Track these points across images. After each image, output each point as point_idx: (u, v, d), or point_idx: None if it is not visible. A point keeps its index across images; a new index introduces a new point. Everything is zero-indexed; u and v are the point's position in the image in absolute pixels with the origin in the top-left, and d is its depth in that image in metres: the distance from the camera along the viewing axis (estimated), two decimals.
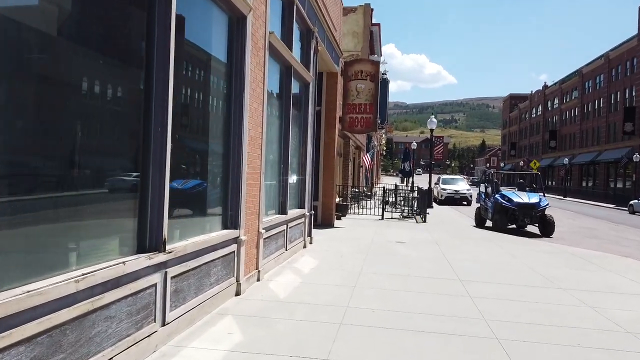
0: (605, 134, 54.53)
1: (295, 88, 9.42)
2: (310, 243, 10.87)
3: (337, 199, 18.98)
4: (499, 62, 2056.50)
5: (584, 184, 59.61)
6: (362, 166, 29.10)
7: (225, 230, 5.83)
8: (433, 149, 25.94)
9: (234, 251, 5.93)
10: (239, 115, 6.01)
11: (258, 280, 6.92)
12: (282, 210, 8.59)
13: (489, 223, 17.89)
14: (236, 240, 5.99)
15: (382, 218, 17.80)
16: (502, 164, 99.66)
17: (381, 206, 18.35)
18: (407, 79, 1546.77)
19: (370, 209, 19.09)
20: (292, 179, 9.59)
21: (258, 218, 6.89)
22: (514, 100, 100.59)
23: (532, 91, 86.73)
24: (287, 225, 8.67)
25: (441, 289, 7.01)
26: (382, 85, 40.77)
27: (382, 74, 40.59)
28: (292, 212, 9.16)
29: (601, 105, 56.70)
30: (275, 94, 8.24)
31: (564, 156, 63.74)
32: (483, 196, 18.31)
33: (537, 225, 16.15)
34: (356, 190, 22.83)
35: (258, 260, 6.92)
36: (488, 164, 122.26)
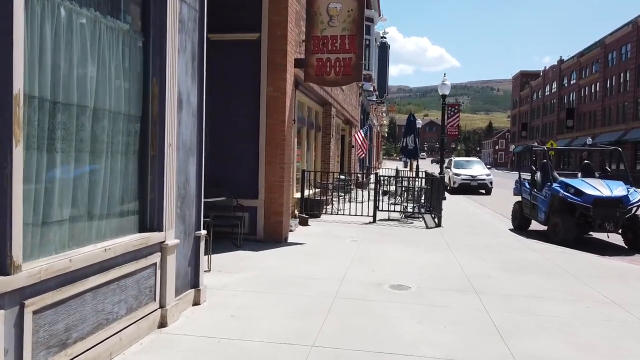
0: (633, 110, 48.25)
1: None
2: (197, 303, 4.80)
3: (311, 191, 12.87)
4: (502, 45, 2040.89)
5: (606, 166, 53.23)
6: (354, 146, 22.81)
7: None
8: (445, 121, 19.56)
9: None
10: None
11: None
12: None
13: (534, 225, 11.80)
14: None
15: (374, 221, 11.69)
16: (512, 147, 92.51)
17: (375, 203, 12.14)
18: (409, 62, 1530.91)
19: (361, 202, 12.92)
20: (86, 157, 3.47)
21: None
22: (525, 77, 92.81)
23: (545, 67, 79.56)
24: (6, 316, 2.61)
25: None
26: (381, 49, 34.31)
27: (382, 37, 34.02)
28: (61, 261, 3.08)
29: (627, 79, 50.33)
30: None
31: (583, 136, 57.25)
32: (527, 185, 12.04)
33: (619, 232, 10.05)
34: (343, 177, 16.67)
35: None
36: (496, 147, 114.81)
